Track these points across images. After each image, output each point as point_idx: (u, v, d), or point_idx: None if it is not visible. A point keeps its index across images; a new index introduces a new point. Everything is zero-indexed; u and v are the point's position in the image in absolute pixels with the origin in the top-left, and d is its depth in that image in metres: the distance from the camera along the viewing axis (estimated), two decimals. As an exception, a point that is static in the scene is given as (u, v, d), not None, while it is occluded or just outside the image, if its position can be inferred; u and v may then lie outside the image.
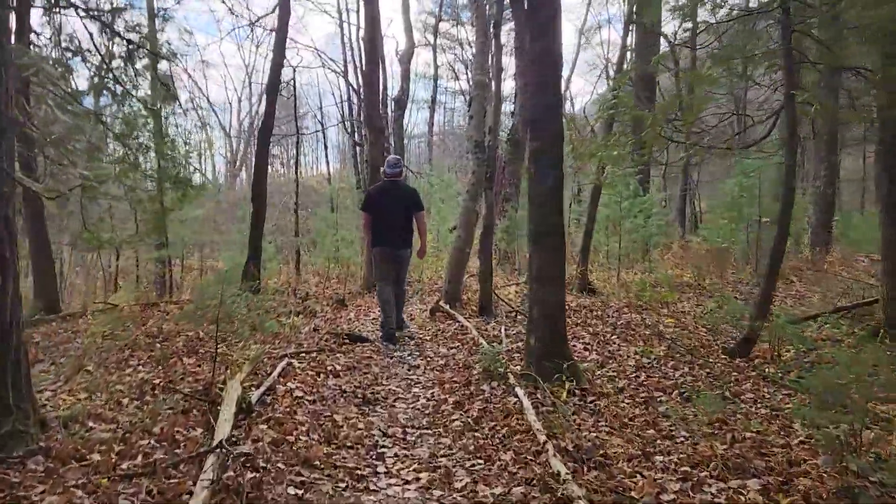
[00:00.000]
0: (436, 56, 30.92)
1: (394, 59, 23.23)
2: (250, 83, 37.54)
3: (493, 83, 7.75)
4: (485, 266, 7.42)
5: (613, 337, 6.28)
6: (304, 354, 5.80)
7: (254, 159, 11.45)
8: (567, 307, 8.51)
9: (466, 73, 34.37)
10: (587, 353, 5.78)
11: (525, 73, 4.51)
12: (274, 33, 11.66)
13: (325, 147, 22.66)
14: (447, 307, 7.63)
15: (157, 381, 4.97)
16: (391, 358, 6.05)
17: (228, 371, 4.73)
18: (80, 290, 19.01)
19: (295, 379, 5.07)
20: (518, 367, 5.18)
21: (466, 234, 8.11)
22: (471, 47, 32.61)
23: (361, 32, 15.07)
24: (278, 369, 5.18)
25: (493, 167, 7.54)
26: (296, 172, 16.62)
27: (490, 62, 8.38)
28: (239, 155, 40.93)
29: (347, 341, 6.43)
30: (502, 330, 6.56)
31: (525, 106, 4.56)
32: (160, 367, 5.58)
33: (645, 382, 4.95)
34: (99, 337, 6.85)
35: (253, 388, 4.65)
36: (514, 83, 12.84)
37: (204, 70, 68.78)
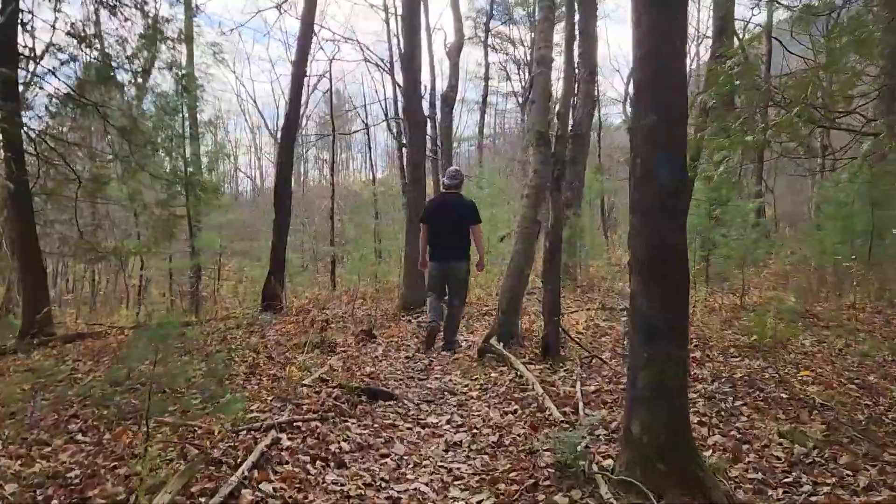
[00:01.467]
0: (487, 54, 29.19)
1: (443, 56, 21.66)
2: (297, 84, 36.49)
3: (562, 56, 6.02)
4: (552, 294, 5.65)
5: (738, 403, 4.41)
6: (300, 423, 4.13)
7: (275, 159, 9.98)
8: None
9: (518, 74, 32.64)
10: (705, 430, 3.95)
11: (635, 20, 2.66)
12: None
13: (370, 148, 21.20)
14: (500, 346, 5.89)
15: (73, 475, 3.38)
16: (423, 428, 4.33)
17: (142, 484, 3.03)
18: (108, 303, 17.97)
19: (277, 473, 3.41)
20: (610, 462, 3.41)
21: (526, 251, 6.35)
22: (524, 46, 30.87)
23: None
24: (255, 453, 3.53)
25: (563, 165, 5.78)
26: (331, 174, 15.15)
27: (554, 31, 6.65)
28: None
29: (364, 399, 4.75)
30: (578, 387, 4.77)
31: (634, 64, 2.70)
32: (104, 440, 4.03)
33: (816, 500, 3.11)
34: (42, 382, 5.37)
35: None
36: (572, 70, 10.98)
37: (251, 72, 68.52)
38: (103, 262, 17.95)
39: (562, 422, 4.14)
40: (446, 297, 6.71)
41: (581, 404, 4.41)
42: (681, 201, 3.11)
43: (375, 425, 4.30)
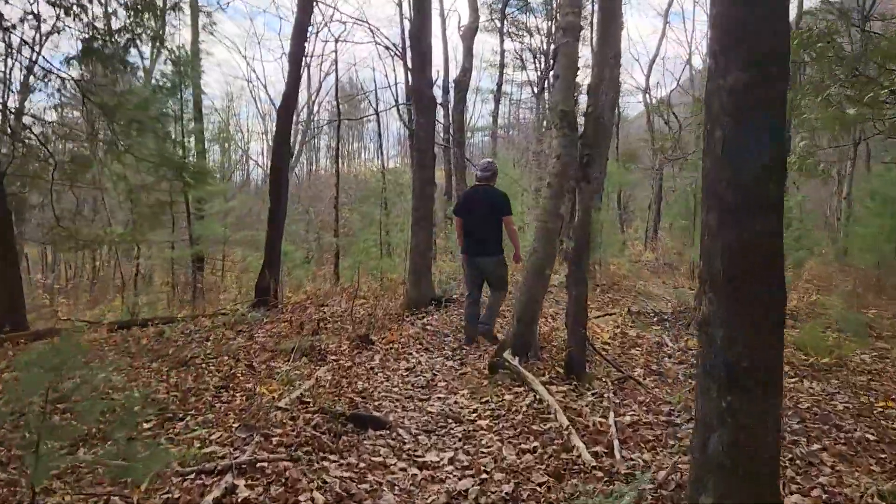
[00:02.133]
0: (502, 41, 28.16)
1: (457, 44, 20.72)
2: (309, 68, 35.19)
3: (594, 21, 5.14)
4: (577, 302, 4.78)
5: (815, 447, 3.53)
6: (265, 463, 3.30)
7: (273, 142, 9.12)
8: (686, 356, 5.81)
9: (534, 63, 31.61)
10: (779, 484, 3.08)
11: None
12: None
13: (380, 136, 20.29)
14: (515, 361, 5.02)
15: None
16: (420, 469, 3.49)
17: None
18: (107, 292, 17.26)
19: (221, 541, 2.59)
20: (664, 538, 2.56)
21: (546, 249, 5.48)
22: (540, 34, 29.85)
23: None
24: (199, 511, 2.71)
25: (593, 149, 4.89)
26: (336, 160, 14.28)
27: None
28: (296, 146, 39.14)
29: (350, 427, 3.92)
30: (611, 418, 3.90)
31: (712, 5, 1.76)
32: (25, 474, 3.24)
33: None
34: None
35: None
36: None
37: (261, 55, 67.55)
38: (107, 249, 17.30)
39: (593, 468, 3.29)
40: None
41: (617, 443, 3.55)
42: (776, 189, 2.24)
43: (361, 465, 3.46)
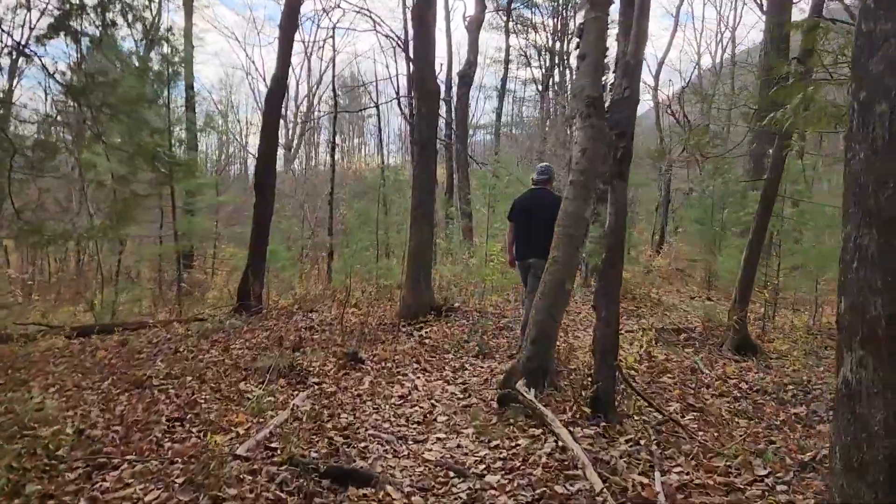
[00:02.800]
0: (508, 36, 27.40)
1: (461, 41, 19.91)
2: (309, 61, 34.05)
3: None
4: (608, 327, 3.96)
5: None
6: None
7: (259, 132, 8.30)
8: (727, 386, 5.00)
9: (539, 60, 30.84)
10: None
11: None
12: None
13: (380, 130, 19.50)
14: (530, 394, 4.20)
15: None
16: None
17: None
18: (91, 289, 16.43)
19: None
20: None
21: (567, 259, 4.65)
22: (545, 30, 29.13)
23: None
24: None
25: (630, 140, 4.08)
26: (332, 153, 13.47)
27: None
28: (294, 140, 38.19)
29: (326, 485, 3.10)
30: (656, 478, 3.08)
31: None
32: None
33: None
34: None
35: None
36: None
37: (260, 42, 66.38)
38: (92, 244, 16.43)
39: (642, 557, 2.48)
40: None
41: (668, 518, 2.74)
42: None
43: (336, 544, 2.65)
